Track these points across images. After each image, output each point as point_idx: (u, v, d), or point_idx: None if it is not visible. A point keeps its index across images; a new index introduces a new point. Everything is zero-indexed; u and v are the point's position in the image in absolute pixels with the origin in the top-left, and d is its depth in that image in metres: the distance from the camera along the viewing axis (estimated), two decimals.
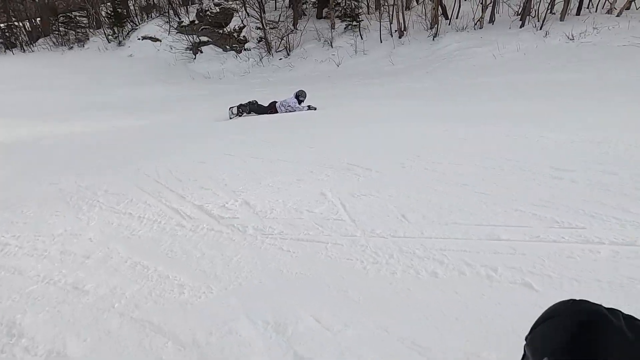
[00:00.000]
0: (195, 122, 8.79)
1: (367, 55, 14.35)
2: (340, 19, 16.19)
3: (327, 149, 4.75)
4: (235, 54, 18.05)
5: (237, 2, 17.91)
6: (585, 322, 0.54)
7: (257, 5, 17.25)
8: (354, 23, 15.69)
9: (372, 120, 6.48)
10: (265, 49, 17.02)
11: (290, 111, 8.81)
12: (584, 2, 12.64)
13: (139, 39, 20.20)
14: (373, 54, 14.26)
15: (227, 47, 18.63)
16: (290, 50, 16.41)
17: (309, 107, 8.68)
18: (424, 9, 14.75)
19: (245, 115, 9.02)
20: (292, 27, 16.86)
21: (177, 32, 19.74)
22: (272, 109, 8.96)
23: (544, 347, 0.56)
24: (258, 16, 16.86)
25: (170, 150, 5.68)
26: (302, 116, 7.98)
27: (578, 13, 12.45)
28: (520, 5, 13.34)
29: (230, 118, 8.88)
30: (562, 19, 12.44)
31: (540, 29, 12.10)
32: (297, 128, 6.58)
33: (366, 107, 8.17)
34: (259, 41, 17.56)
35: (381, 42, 14.63)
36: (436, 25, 13.58)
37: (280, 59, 16.52)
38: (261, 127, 7.32)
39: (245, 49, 17.83)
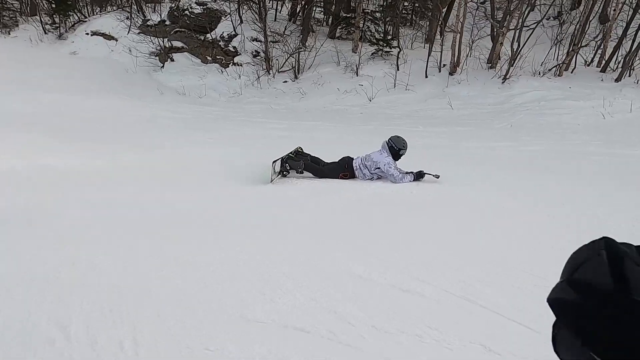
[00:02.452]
0: (187, 185, 4.60)
1: (411, 91, 10.88)
2: (367, 42, 12.68)
3: None
4: (220, 68, 13.85)
5: (231, 2, 13.86)
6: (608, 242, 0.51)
7: (256, 9, 13.34)
8: (387, 49, 12.29)
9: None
10: (264, 67, 13.03)
11: (372, 178, 4.92)
12: None
13: (87, 33, 15.36)
14: (419, 91, 10.84)
15: (209, 57, 14.38)
16: (298, 72, 12.57)
17: (417, 176, 4.83)
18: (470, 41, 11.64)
19: (288, 174, 4.98)
20: (301, 44, 13.10)
21: (138, 32, 15.18)
22: (345, 170, 4.99)
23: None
24: (259, 24, 12.91)
25: None
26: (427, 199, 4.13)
27: None
28: (600, 54, 10.71)
29: (272, 181, 4.76)
30: None
31: None
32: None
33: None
34: (255, 56, 13.55)
35: (426, 76, 11.30)
36: (507, 66, 10.50)
37: (285, 81, 12.60)
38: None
39: (235, 64, 13.70)
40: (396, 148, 4.89)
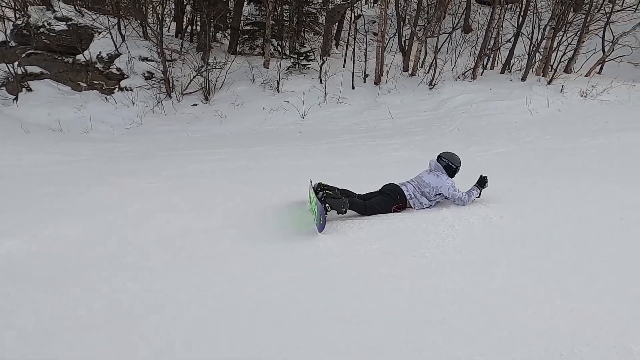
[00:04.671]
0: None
1: (343, 104, 10.24)
2: (283, 56, 11.68)
3: None
4: (102, 95, 11.28)
5: (109, 15, 11.44)
6: None
7: (145, 24, 11.24)
8: (304, 62, 11.50)
9: None
10: (164, 90, 11.00)
11: (430, 207, 4.02)
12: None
13: None
14: (352, 103, 10.26)
15: (83, 84, 11.64)
16: (209, 94, 10.90)
17: (481, 186, 4.07)
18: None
19: (328, 213, 3.73)
20: (204, 62, 11.45)
21: None
22: (398, 201, 3.96)
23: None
24: (151, 40, 10.86)
25: None
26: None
27: (567, 70, 11.44)
28: (493, 58, 11.71)
29: (320, 228, 3.46)
30: (545, 74, 11.22)
31: (550, 83, 10.47)
32: None
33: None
34: (148, 77, 11.38)
35: (353, 88, 10.82)
36: (431, 72, 10.65)
37: (195, 104, 10.77)
38: None
39: (122, 89, 11.29)
40: (454, 166, 4.03)
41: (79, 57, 11.64)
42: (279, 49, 12.77)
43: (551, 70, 11.26)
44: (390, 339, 2.00)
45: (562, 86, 10.17)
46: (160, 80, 11.09)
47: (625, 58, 12.14)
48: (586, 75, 11.49)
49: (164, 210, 4.19)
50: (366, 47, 11.17)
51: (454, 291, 2.43)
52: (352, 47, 11.12)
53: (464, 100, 9.85)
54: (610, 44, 11.79)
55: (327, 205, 3.65)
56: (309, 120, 9.87)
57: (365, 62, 10.91)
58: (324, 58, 11.25)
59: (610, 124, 8.33)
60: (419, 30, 11.29)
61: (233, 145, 8.44)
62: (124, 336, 2.18)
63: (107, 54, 11.54)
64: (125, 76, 11.44)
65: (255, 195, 4.55)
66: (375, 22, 14.63)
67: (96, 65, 11.63)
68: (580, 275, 2.53)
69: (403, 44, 12.19)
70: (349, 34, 12.16)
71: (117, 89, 11.38)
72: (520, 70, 11.60)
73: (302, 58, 11.36)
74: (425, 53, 11.52)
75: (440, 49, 10.87)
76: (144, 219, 3.91)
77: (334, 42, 14.01)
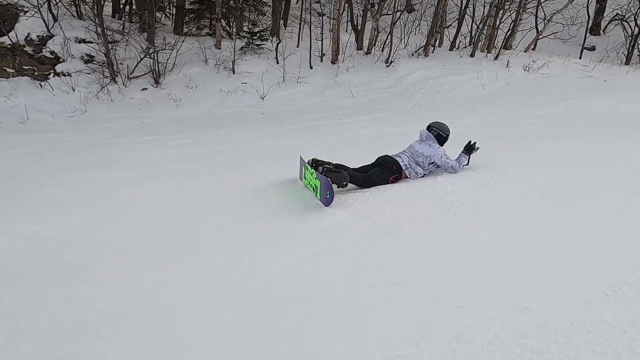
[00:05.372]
0: None
1: (303, 84, 10.10)
2: (228, 37, 11.23)
3: None
4: (36, 81, 10.21)
5: None
6: None
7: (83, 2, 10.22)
8: (258, 42, 11.14)
9: None
10: (108, 74, 10.17)
11: (424, 175, 4.12)
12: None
13: None
14: (312, 82, 10.15)
15: (10, 69, 10.44)
16: (159, 77, 10.25)
17: (469, 153, 4.24)
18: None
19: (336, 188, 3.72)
20: (150, 44, 10.71)
21: None
22: (394, 172, 4.02)
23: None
24: (90, 20, 9.94)
25: None
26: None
27: (507, 47, 12.11)
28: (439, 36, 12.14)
29: (337, 188, 3.42)
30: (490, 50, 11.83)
31: (496, 58, 11.05)
32: None
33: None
34: (88, 61, 10.45)
35: (311, 67, 10.69)
36: (387, 50, 10.79)
37: (145, 89, 10.09)
38: None
39: (59, 74, 10.28)
40: (444, 135, 4.17)
41: (3, 39, 10.39)
42: (227, 29, 12.28)
43: (494, 47, 11.89)
44: (446, 298, 2.04)
45: (508, 61, 10.79)
46: (103, 63, 10.23)
47: (555, 35, 13.15)
48: (525, 52, 12.29)
49: (153, 199, 3.91)
50: (322, 26, 11.06)
51: (493, 246, 2.52)
52: (309, 25, 10.94)
53: (420, 77, 10.13)
54: (544, 21, 12.68)
55: (328, 179, 3.60)
56: (269, 101, 9.65)
57: (322, 40, 10.80)
58: (279, 38, 10.99)
59: (554, 95, 8.99)
60: (372, 7, 11.35)
61: (194, 129, 8.05)
62: (171, 320, 2.03)
63: (38, 36, 10.41)
64: (61, 60, 10.41)
65: (242, 178, 4.39)
66: (319, 1, 14.45)
67: (25, 49, 10.46)
68: (608, 218, 2.74)
69: (355, 22, 12.22)
70: (301, 12, 11.94)
71: (52, 74, 10.33)
72: (465, 47, 12.14)
73: (255, 38, 11.00)
74: (378, 32, 11.63)
75: (393, 27, 11.02)
76: (135, 209, 3.63)
77: (282, 21, 13.72)
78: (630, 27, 13.46)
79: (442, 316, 1.87)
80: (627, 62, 12.53)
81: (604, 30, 15.30)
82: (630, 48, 12.82)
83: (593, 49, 14.52)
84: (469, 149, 4.20)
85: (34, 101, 9.54)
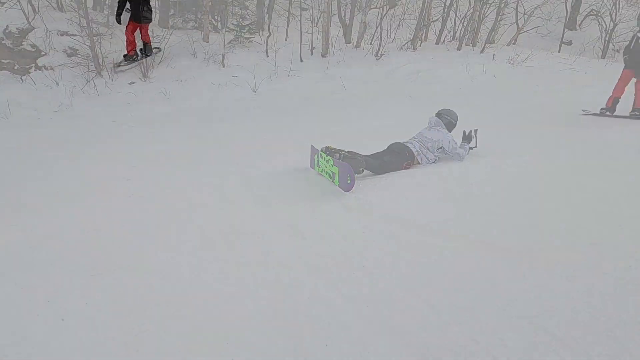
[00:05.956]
0: None
1: (294, 77, 10.08)
2: (215, 30, 11.07)
3: None
4: (15, 75, 9.82)
5: None
6: None
7: None
8: (247, 35, 11.04)
9: None
10: (93, 67, 9.88)
11: (434, 161, 4.22)
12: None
13: None
14: (303, 75, 10.14)
15: None
16: (147, 71, 10.03)
17: (469, 142, 4.37)
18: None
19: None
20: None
21: None
22: (407, 158, 4.09)
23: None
24: (79, 12, 9.61)
25: None
26: None
27: (490, 41, 12.39)
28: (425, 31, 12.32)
29: (348, 184, 3.46)
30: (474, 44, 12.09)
31: (482, 52, 11.31)
32: None
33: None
34: (71, 55, 10.11)
35: (302, 61, 10.67)
36: (377, 44, 10.87)
37: (133, 82, 9.85)
38: None
39: (40, 68, 9.92)
40: (454, 122, 4.29)
41: None
42: (214, 22, 12.12)
43: (478, 42, 12.15)
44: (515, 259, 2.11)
45: (494, 55, 11.06)
46: (88, 57, 9.93)
47: (536, 30, 13.54)
48: (507, 46, 12.61)
49: (151, 194, 3.85)
50: (312, 19, 11.05)
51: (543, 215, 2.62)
52: (297, 19, 10.90)
53: (410, 70, 10.26)
54: (524, 16, 13.03)
55: (349, 165, 3.64)
56: (262, 94, 9.59)
57: (312, 34, 10.80)
58: (269, 30, 10.92)
59: (540, 87, 9.28)
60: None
61: (192, 122, 7.94)
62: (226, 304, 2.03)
63: (17, 29, 10.01)
64: (43, 53, 10.04)
65: (258, 166, 4.38)
66: None
67: (3, 42, 10.03)
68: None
69: (343, 16, 12.24)
70: (289, 6, 11.89)
71: (33, 68, 9.96)
72: (451, 41, 12.36)
73: (244, 31, 10.90)
74: (367, 25, 11.70)
75: (381, 21, 11.10)
76: (161, 199, 3.59)
77: (266, 15, 13.62)
78: (604, 22, 13.98)
79: None
80: (604, 56, 13.02)
81: (579, 26, 15.83)
82: (606, 42, 13.31)
83: (570, 43, 15.01)
84: (468, 138, 4.32)
85: (16, 96, 9.18)
